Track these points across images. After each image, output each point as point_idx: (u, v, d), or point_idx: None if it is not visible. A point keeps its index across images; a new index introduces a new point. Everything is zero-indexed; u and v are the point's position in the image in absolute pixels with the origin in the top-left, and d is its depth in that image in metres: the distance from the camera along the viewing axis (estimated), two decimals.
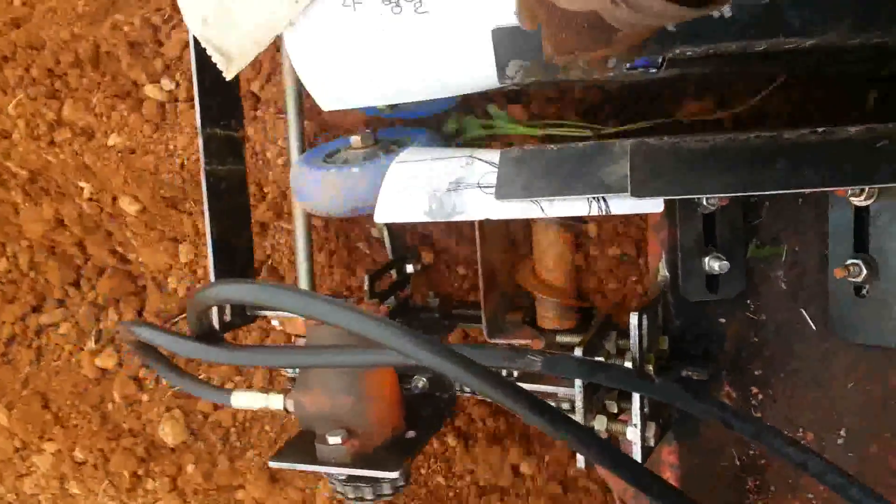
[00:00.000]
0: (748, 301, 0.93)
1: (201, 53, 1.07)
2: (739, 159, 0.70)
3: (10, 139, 1.46)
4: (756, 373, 0.94)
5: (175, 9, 1.36)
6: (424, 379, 1.07)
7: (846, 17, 0.65)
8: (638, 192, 0.73)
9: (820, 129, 0.70)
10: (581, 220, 1.05)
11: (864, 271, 0.81)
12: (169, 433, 1.42)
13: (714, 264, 0.89)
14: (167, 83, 1.39)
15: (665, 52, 0.73)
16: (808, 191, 0.74)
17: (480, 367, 0.63)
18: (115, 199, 1.45)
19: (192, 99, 1.27)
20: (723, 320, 0.94)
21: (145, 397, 1.47)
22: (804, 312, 0.90)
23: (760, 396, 0.94)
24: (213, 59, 1.02)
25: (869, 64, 0.83)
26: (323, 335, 0.92)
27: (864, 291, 0.84)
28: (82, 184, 1.46)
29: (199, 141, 1.17)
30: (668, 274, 0.93)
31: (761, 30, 0.68)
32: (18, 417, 1.50)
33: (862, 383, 0.87)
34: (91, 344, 1.49)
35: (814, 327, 0.89)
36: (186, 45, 1.34)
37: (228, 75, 1.03)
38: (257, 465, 1.39)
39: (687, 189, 0.71)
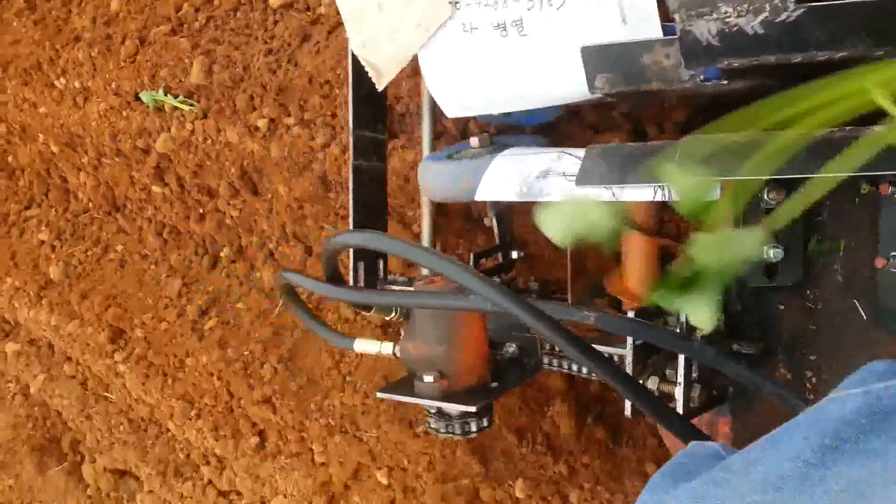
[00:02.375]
0: (806, 290, 1.02)
1: (357, 69, 1.34)
2: (771, 150, 0.82)
3: (6, 107, 2.58)
4: (811, 358, 1.02)
5: None
6: (514, 346, 1.24)
7: (862, 33, 0.77)
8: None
9: (847, 128, 0.81)
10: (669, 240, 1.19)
11: None
12: (53, 272, 2.49)
13: (770, 252, 1.00)
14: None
15: (714, 64, 0.87)
16: (823, 176, 0.83)
17: (529, 304, 0.81)
18: (48, 144, 2.52)
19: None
20: (781, 307, 1.03)
21: (53, 255, 2.54)
22: (857, 303, 0.98)
23: (814, 380, 1.02)
24: (369, 74, 1.27)
25: None
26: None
27: None
28: (40, 135, 2.54)
29: (350, 140, 1.43)
30: None
31: (792, 44, 0.81)
32: None
33: None
34: (43, 228, 2.60)
35: (865, 317, 0.97)
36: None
37: (380, 86, 1.28)
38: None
39: (718, 172, 0.84)
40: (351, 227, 1.44)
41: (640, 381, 0.98)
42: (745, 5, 0.79)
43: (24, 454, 2.56)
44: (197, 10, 2.07)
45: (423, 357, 1.11)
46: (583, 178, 1.03)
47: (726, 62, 0.87)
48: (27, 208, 2.69)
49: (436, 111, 1.45)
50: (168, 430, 2.17)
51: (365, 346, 1.20)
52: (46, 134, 2.51)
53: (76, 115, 2.34)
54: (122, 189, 2.36)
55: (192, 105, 2.01)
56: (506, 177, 1.10)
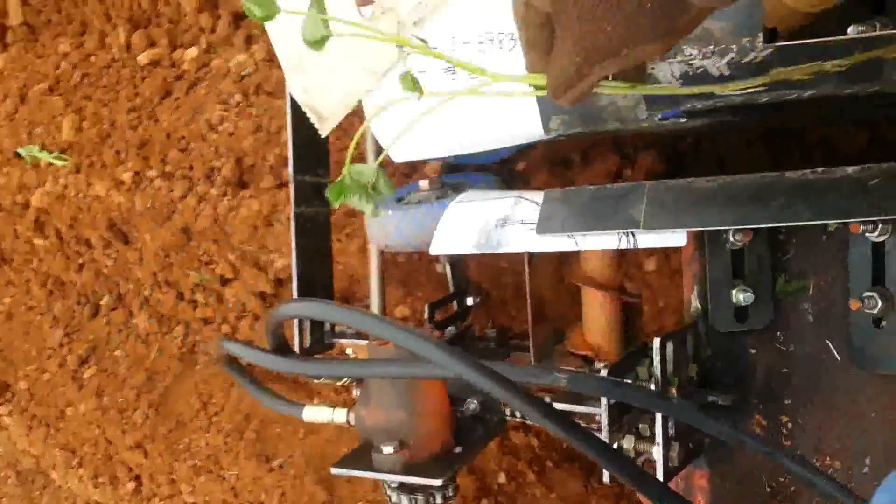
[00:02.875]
0: (777, 333, 0.98)
1: (296, 113, 1.26)
2: (742, 196, 0.79)
3: None
4: (786, 402, 0.98)
5: None
6: (476, 402, 1.16)
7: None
8: (649, 225, 0.83)
9: (820, 170, 0.78)
10: (631, 294, 1.14)
11: (880, 303, 0.86)
12: None
13: (740, 296, 0.96)
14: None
15: (677, 106, 0.83)
16: (803, 224, 0.80)
17: (496, 373, 0.74)
18: None
19: None
20: (753, 351, 1.00)
21: None
22: (830, 344, 0.95)
23: (790, 425, 0.98)
24: (311, 120, 1.19)
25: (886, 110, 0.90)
26: (382, 355, 1.05)
27: (882, 323, 0.88)
28: None
29: (291, 187, 1.34)
30: (699, 306, 1.01)
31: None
32: None
33: (884, 413, 0.91)
34: None
35: (838, 358, 0.94)
36: None
37: (323, 132, 1.20)
38: None
39: (690, 222, 0.80)
40: (294, 278, 1.35)
41: (617, 442, 0.92)
42: (711, 47, 0.75)
43: None
44: (74, 67, 2.17)
45: (380, 425, 1.03)
46: (543, 226, 0.97)
47: (689, 105, 0.83)
48: None
49: (379, 153, 1.38)
50: (53, 480, 2.20)
51: (314, 413, 1.11)
52: None
53: None
54: (9, 242, 2.34)
55: (64, 161, 2.12)
56: (462, 227, 1.04)
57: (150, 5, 2.01)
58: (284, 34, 1.18)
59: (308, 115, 1.20)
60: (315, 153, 1.38)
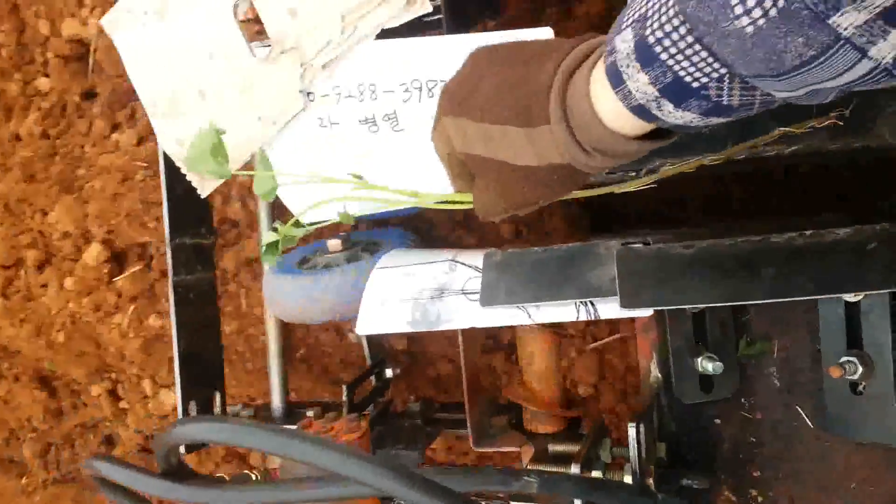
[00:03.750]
0: (742, 400, 0.90)
1: (171, 167, 1.05)
2: (727, 266, 0.69)
3: None
4: (755, 474, 0.90)
5: None
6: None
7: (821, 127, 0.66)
8: (628, 304, 0.71)
9: (808, 233, 0.70)
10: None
11: (860, 368, 0.80)
12: None
13: (708, 365, 0.87)
14: None
15: (644, 165, 0.73)
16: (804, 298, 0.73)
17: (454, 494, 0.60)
18: None
19: None
20: (718, 421, 0.91)
21: None
22: (800, 410, 0.88)
23: (760, 499, 0.90)
24: (188, 178, 0.99)
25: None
26: (300, 468, 0.86)
27: (860, 388, 0.82)
28: None
29: (168, 251, 1.14)
30: (660, 375, 0.91)
31: (741, 139, 0.68)
32: None
33: (864, 484, 0.85)
34: None
35: (811, 425, 0.87)
36: None
37: (204, 193, 1.01)
38: None
39: (676, 300, 0.70)
40: (175, 360, 1.14)
41: None
42: None
43: None
44: None
45: None
46: (487, 297, 0.84)
47: (658, 163, 0.73)
48: None
49: (274, 207, 1.20)
50: None
51: None
52: None
53: None
54: None
55: None
56: (391, 300, 0.88)
57: None
58: (148, 74, 0.98)
59: (183, 171, 1.00)
60: (195, 209, 1.18)
